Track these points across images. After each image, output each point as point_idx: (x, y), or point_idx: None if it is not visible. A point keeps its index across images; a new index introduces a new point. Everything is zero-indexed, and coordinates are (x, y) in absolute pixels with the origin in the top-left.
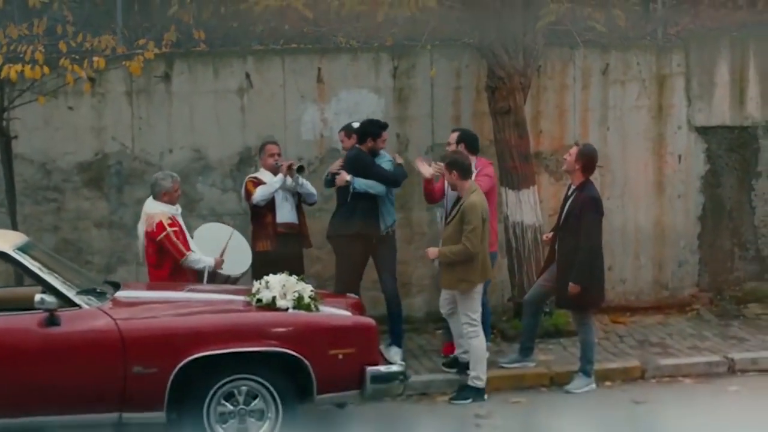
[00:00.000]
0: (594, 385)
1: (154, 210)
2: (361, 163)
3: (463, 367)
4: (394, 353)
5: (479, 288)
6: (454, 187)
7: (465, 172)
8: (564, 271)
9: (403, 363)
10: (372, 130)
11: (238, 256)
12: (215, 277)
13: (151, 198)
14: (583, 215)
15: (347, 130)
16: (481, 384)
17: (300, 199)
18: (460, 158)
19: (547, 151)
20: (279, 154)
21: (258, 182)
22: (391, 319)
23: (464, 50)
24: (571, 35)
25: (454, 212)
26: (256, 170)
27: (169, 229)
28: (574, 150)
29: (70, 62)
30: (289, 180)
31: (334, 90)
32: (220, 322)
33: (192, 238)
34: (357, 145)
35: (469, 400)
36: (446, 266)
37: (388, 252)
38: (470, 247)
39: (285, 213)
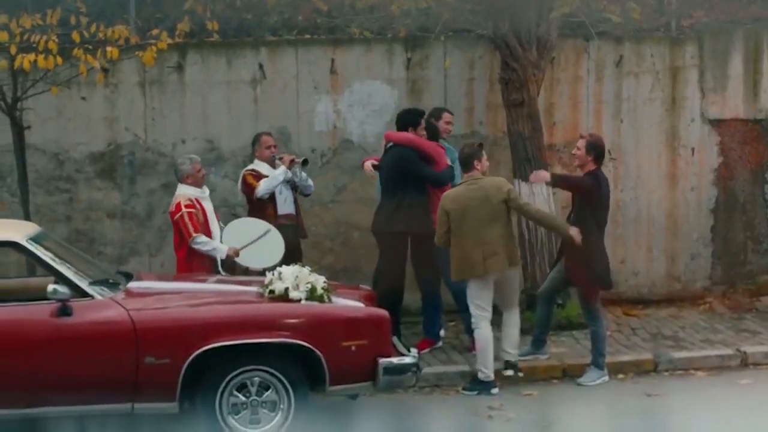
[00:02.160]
0: (606, 378)
1: (179, 192)
2: (405, 164)
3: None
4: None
5: (474, 283)
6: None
7: (466, 164)
8: (572, 255)
9: (416, 354)
10: (410, 119)
11: (268, 252)
12: (235, 267)
13: (179, 184)
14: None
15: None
16: (483, 377)
17: (296, 191)
18: (472, 150)
19: (561, 143)
20: (275, 146)
21: (257, 175)
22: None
23: (478, 42)
24: (585, 27)
25: None
26: (251, 162)
27: (184, 210)
28: (582, 143)
29: (84, 52)
30: (289, 173)
31: (348, 81)
32: (232, 313)
33: (222, 225)
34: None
35: (475, 392)
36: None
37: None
38: (435, 239)
39: (285, 204)
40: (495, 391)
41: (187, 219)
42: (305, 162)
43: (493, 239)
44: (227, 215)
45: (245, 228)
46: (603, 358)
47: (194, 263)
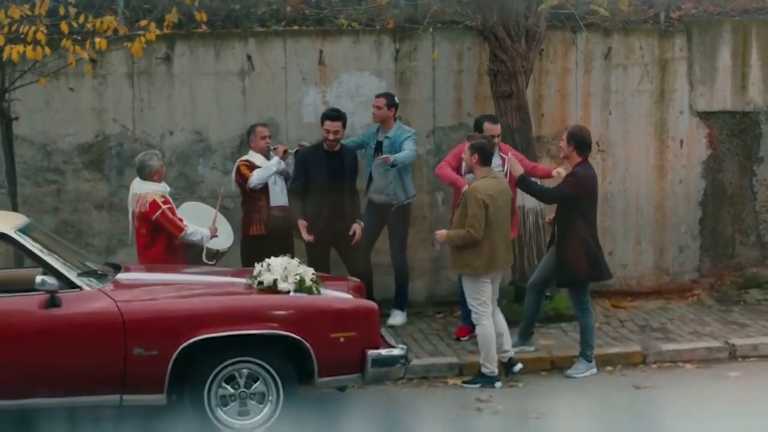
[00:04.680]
0: (595, 370)
1: (145, 190)
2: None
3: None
4: (398, 315)
5: (486, 277)
6: (470, 170)
7: (486, 159)
8: (561, 249)
9: (404, 346)
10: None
11: (223, 231)
12: (205, 252)
13: (138, 179)
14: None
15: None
16: (487, 371)
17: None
18: (484, 143)
19: (549, 134)
20: (270, 137)
21: (251, 165)
22: (398, 286)
23: (466, 33)
24: (573, 19)
25: (461, 197)
26: (245, 153)
27: (163, 207)
28: (565, 134)
29: (72, 43)
30: (282, 163)
31: (336, 72)
32: (221, 305)
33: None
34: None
35: (478, 386)
36: (454, 249)
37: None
38: (473, 232)
39: (277, 196)
40: (498, 385)
41: (170, 215)
42: (297, 153)
43: (509, 235)
44: (214, 206)
45: (195, 213)
46: (591, 350)
47: (170, 259)
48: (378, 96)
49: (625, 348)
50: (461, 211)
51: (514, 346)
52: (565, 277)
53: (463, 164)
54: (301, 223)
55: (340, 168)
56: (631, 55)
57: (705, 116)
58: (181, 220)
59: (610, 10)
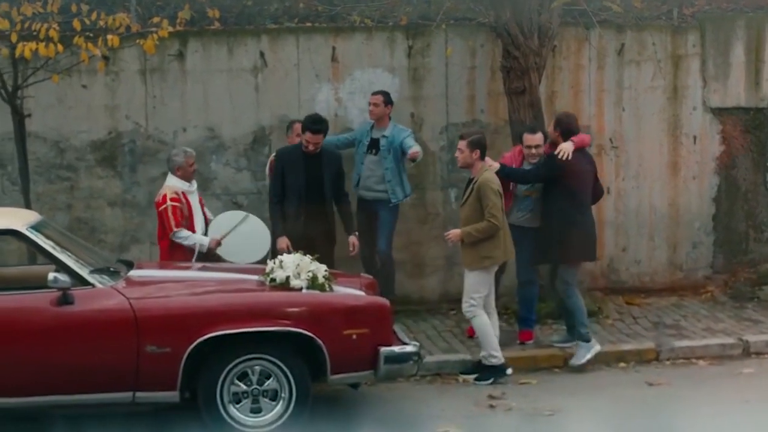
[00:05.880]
0: (598, 347)
1: (167, 183)
2: None
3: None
4: None
5: (489, 271)
6: (467, 166)
7: (484, 153)
8: (543, 228)
9: (417, 343)
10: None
11: (251, 245)
12: (215, 259)
13: (169, 173)
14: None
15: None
16: (496, 361)
17: None
18: (483, 138)
19: None
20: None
21: None
22: (384, 278)
23: (479, 30)
24: (586, 15)
25: (468, 192)
26: (271, 150)
27: (169, 202)
28: (553, 120)
29: (84, 40)
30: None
31: (349, 69)
32: (233, 302)
33: (209, 219)
34: None
35: (491, 380)
36: (469, 246)
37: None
38: (496, 222)
39: None
40: (509, 371)
41: (170, 213)
42: None
43: None
44: (228, 204)
45: (229, 220)
46: (586, 329)
47: (176, 254)
48: (374, 93)
49: (639, 345)
50: (473, 205)
51: (565, 342)
52: (544, 256)
53: (459, 160)
54: (281, 243)
55: (318, 170)
56: (644, 52)
57: (718, 112)
58: (177, 219)
59: (623, 6)
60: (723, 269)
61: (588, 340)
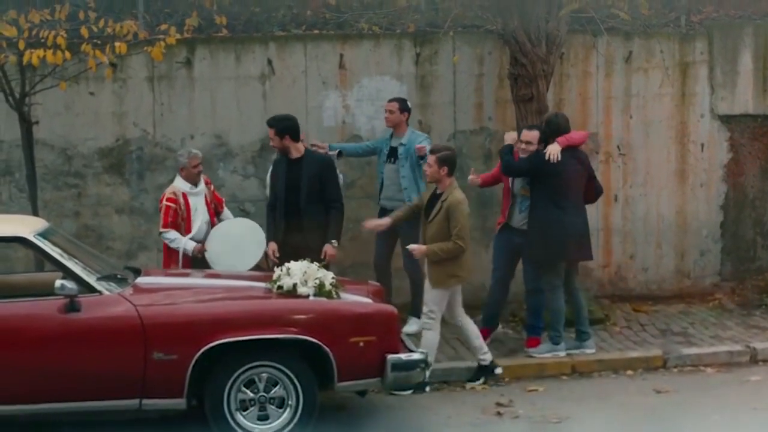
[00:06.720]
0: (561, 353)
1: (174, 183)
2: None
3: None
4: (414, 323)
5: (453, 288)
6: (435, 181)
7: (453, 170)
8: (530, 231)
9: (424, 351)
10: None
11: (241, 253)
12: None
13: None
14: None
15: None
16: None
17: None
18: (453, 155)
19: None
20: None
21: None
22: (414, 293)
23: (487, 37)
24: (594, 22)
25: (435, 210)
26: (265, 157)
27: (164, 202)
28: (543, 120)
29: (92, 47)
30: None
31: (356, 76)
32: (240, 309)
33: (215, 222)
34: None
35: (480, 381)
36: (434, 264)
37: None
38: (462, 244)
39: None
40: (498, 371)
41: (163, 212)
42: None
43: None
44: (236, 211)
45: (227, 229)
46: (559, 335)
47: (174, 254)
48: (390, 100)
49: (646, 352)
50: (442, 224)
51: (573, 348)
52: (530, 255)
53: (425, 174)
54: (268, 249)
55: (297, 176)
56: (652, 59)
57: (726, 119)
58: (166, 222)
59: (631, 13)
60: (731, 277)
61: (557, 343)
